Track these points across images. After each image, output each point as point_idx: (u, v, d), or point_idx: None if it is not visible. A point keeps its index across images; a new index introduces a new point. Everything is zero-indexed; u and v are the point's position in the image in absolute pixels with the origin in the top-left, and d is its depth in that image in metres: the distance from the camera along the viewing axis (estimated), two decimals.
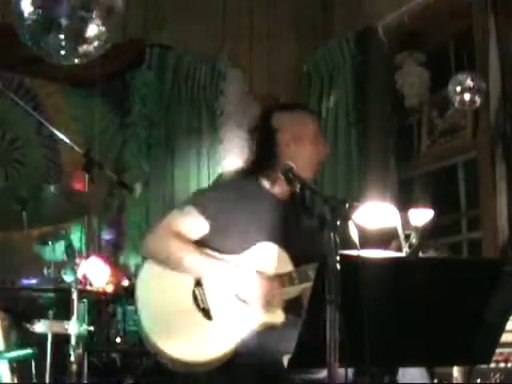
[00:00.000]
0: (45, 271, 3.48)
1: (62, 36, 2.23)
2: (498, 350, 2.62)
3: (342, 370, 1.67)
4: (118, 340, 3.48)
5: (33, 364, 2.91)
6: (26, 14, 2.21)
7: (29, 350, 2.81)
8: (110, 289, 3.60)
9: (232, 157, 4.72)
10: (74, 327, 2.72)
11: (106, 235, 4.38)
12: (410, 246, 2.39)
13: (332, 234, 1.70)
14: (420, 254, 2.43)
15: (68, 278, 3.24)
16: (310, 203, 2.67)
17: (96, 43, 2.29)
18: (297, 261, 2.46)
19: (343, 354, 1.62)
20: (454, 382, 2.93)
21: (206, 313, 2.37)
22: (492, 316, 1.85)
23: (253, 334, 2.33)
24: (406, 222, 2.49)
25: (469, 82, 3.81)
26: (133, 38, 4.54)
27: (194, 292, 2.41)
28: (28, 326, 2.79)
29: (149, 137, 4.58)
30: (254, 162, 2.63)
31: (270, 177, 2.58)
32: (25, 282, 3.48)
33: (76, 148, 3.05)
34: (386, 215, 2.57)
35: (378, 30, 4.76)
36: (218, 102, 4.86)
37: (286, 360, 1.96)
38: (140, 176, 4.51)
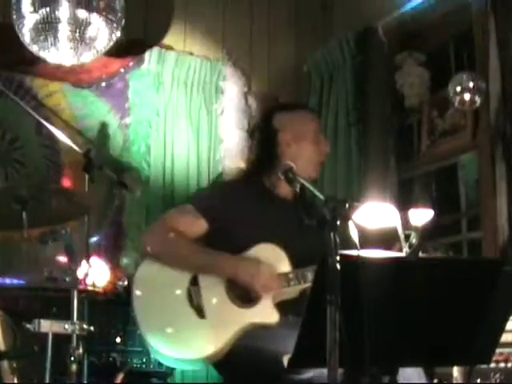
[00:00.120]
0: (45, 271, 3.48)
1: (62, 36, 2.24)
2: (498, 350, 2.62)
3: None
4: (118, 340, 3.48)
5: (33, 364, 2.91)
6: (26, 14, 2.21)
7: (29, 350, 2.80)
8: (109, 289, 3.60)
9: (232, 157, 4.72)
10: (73, 327, 2.72)
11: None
12: (410, 246, 2.39)
13: (332, 234, 1.70)
14: (420, 254, 2.43)
15: (68, 277, 3.24)
16: (311, 203, 2.66)
17: (96, 43, 2.30)
18: (298, 262, 2.46)
19: (343, 354, 1.62)
20: (454, 382, 2.93)
21: (200, 311, 2.37)
22: (492, 316, 1.85)
23: (252, 334, 2.33)
24: (405, 222, 2.49)
25: (469, 82, 3.81)
26: (133, 38, 4.54)
27: (189, 290, 2.41)
28: (28, 325, 2.78)
29: (149, 137, 4.59)
30: (255, 163, 2.63)
31: (272, 177, 2.58)
32: (25, 281, 3.47)
33: (76, 148, 3.05)
34: (386, 215, 2.57)
35: (377, 30, 4.75)
36: (218, 102, 4.86)
37: (285, 360, 1.96)
38: (140, 176, 4.50)
